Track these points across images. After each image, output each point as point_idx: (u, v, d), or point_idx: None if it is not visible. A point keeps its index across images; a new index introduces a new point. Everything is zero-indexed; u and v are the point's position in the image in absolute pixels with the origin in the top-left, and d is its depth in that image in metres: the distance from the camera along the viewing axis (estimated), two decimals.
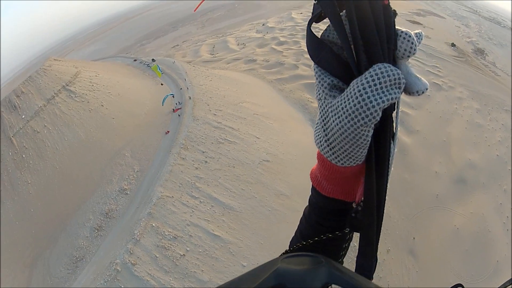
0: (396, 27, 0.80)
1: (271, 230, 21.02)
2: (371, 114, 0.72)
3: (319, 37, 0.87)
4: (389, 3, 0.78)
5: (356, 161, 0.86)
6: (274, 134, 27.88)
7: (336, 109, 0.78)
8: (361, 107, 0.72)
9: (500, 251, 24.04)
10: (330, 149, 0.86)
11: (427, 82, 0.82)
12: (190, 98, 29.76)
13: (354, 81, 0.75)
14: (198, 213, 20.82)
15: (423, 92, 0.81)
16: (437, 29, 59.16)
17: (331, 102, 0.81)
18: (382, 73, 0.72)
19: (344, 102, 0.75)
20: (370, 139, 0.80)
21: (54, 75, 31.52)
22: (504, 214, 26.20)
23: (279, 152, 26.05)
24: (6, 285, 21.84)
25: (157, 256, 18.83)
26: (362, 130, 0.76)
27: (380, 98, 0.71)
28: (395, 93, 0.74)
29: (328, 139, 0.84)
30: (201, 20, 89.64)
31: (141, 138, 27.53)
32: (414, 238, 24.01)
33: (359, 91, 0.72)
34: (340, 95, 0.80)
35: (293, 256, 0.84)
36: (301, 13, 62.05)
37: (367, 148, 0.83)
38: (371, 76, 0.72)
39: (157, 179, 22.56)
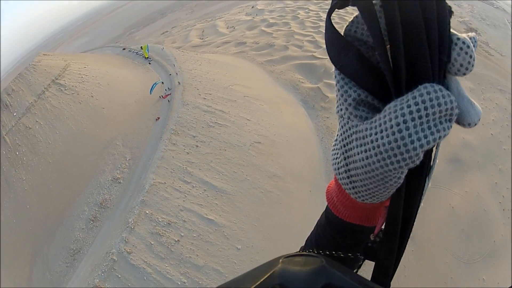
0: (451, 30, 0.58)
1: (265, 212, 21.08)
2: (410, 157, 0.54)
3: (342, 33, 0.65)
4: None
5: (380, 199, 0.70)
6: (265, 116, 27.74)
7: (364, 139, 0.60)
8: (398, 146, 0.53)
9: (497, 231, 23.97)
10: (350, 182, 0.69)
11: (480, 108, 0.62)
12: (179, 84, 29.53)
13: (391, 106, 0.55)
14: (191, 198, 20.82)
15: (475, 124, 0.61)
16: None
17: (356, 126, 0.63)
18: (431, 100, 0.52)
19: (375, 135, 0.57)
20: (402, 181, 0.62)
21: (44, 70, 31.25)
22: (500, 194, 26.05)
23: (270, 134, 25.94)
24: (7, 285, 21.94)
25: (152, 243, 18.91)
26: (394, 173, 0.59)
27: (425, 137, 0.53)
28: (444, 130, 0.54)
29: (349, 171, 0.67)
30: (190, 6, 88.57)
31: (132, 126, 27.39)
32: None
33: (398, 124, 0.53)
34: (368, 116, 0.62)
35: (293, 256, 0.80)
36: None
37: (396, 188, 0.65)
38: (416, 103, 0.52)
39: (149, 166, 22.54)
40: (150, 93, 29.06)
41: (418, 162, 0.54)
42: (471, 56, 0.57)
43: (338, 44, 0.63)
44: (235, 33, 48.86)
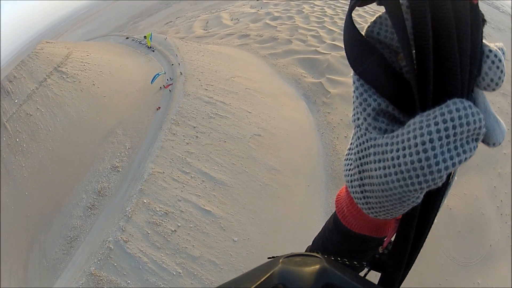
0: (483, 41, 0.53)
1: (262, 205, 21.12)
2: (433, 180, 0.49)
3: (364, 33, 0.58)
4: (478, 3, 0.52)
5: (393, 216, 0.65)
6: (266, 109, 27.68)
7: (383, 155, 0.54)
8: (422, 168, 0.48)
9: (494, 235, 23.91)
10: (364, 198, 0.65)
11: (504, 125, 0.56)
12: (181, 74, 29.47)
13: (416, 121, 0.50)
14: (189, 188, 20.85)
15: (499, 144, 0.55)
16: None
17: (375, 139, 0.57)
18: (460, 118, 0.47)
19: (396, 152, 0.51)
20: (420, 201, 0.57)
21: (46, 58, 31.21)
22: (498, 198, 25.95)
23: (270, 127, 25.90)
24: (4, 273, 22.05)
25: (149, 232, 18.98)
26: (414, 193, 0.53)
27: (451, 159, 0.48)
28: (470, 151, 0.49)
29: (363, 185, 0.63)
30: None
31: (133, 115, 27.35)
32: None
33: (423, 142, 0.47)
34: (388, 128, 0.57)
35: (293, 256, 0.81)
36: None
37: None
38: (445, 120, 0.47)
39: (148, 156, 22.56)
40: (151, 83, 29.00)
41: (440, 184, 0.50)
42: (502, 71, 0.53)
43: (359, 47, 0.57)
44: (239, 25, 48.65)
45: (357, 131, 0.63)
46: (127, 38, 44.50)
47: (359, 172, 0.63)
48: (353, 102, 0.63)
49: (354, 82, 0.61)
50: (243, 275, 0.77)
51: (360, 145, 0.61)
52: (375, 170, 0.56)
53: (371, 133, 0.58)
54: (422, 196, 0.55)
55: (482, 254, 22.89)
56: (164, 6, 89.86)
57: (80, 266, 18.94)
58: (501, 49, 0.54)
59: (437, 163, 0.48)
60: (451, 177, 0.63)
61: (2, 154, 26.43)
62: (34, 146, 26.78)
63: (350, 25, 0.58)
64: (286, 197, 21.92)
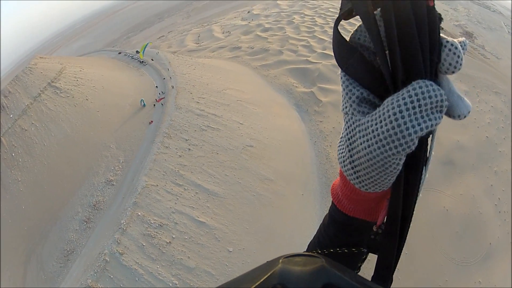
0: (441, 35, 0.68)
1: (256, 214, 21.21)
2: (406, 143, 0.62)
3: (348, 39, 0.75)
4: (434, 4, 0.66)
5: (382, 188, 0.77)
6: (258, 120, 27.89)
7: (365, 130, 0.69)
8: (395, 133, 0.62)
9: (493, 233, 23.97)
10: (355, 173, 0.78)
11: (469, 102, 0.71)
12: (173, 87, 29.68)
13: (389, 100, 0.65)
14: (183, 200, 20.94)
15: (465, 116, 0.69)
16: None
17: (359, 120, 0.72)
18: (423, 93, 0.61)
19: (375, 125, 0.66)
20: (401, 168, 0.70)
21: (40, 73, 31.27)
22: (496, 196, 26.05)
23: (263, 137, 26.09)
24: (3, 285, 21.95)
25: (144, 244, 19.00)
26: (393, 159, 0.66)
27: (419, 125, 0.61)
28: (435, 119, 0.63)
29: (353, 162, 0.76)
30: (187, 10, 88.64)
31: (126, 129, 27.47)
32: None
33: (394, 114, 0.62)
34: (370, 112, 0.71)
35: (293, 256, 0.83)
36: None
37: (396, 176, 0.73)
38: (410, 96, 0.61)
39: (142, 169, 22.64)
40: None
41: (413, 148, 0.63)
42: (458, 56, 0.66)
43: (344, 49, 0.73)
44: (230, 37, 48.92)
45: (345, 117, 0.78)
46: (119, 53, 44.67)
47: (349, 151, 0.76)
48: (342, 95, 0.78)
49: (341, 78, 0.76)
50: (243, 275, 0.80)
51: (348, 128, 0.76)
52: (361, 144, 0.70)
53: (356, 116, 0.73)
54: (401, 162, 0.69)
55: (482, 253, 22.96)
56: (157, 20, 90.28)
57: (77, 278, 18.90)
58: (462, 42, 0.69)
59: (407, 129, 0.61)
60: (428, 152, 0.76)
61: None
62: (30, 161, 26.78)
63: (336, 32, 0.75)
64: (280, 206, 22.04)
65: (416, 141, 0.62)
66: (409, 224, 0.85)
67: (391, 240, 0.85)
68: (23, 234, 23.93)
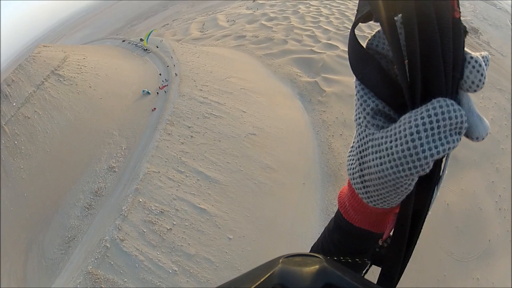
0: (465, 49, 0.62)
1: (257, 203, 21.21)
2: (421, 165, 0.58)
3: (365, 45, 0.69)
4: (460, 16, 0.61)
5: (391, 205, 0.74)
6: (261, 108, 27.81)
7: (379, 146, 0.64)
8: (410, 155, 0.57)
9: (492, 230, 23.81)
10: (364, 187, 0.74)
11: (488, 123, 0.65)
12: (176, 75, 29.62)
13: (406, 117, 0.60)
14: (184, 187, 20.95)
15: (483, 139, 0.64)
16: None
17: (373, 134, 0.67)
18: (443, 113, 0.56)
19: (390, 143, 0.61)
20: (412, 188, 0.66)
21: (43, 61, 31.30)
22: (497, 193, 25.85)
23: (265, 126, 26.03)
24: (4, 273, 22.11)
25: (145, 231, 19.06)
26: (405, 180, 0.63)
27: (436, 147, 0.56)
28: (453, 142, 0.58)
29: (363, 176, 0.72)
30: None
31: (129, 116, 27.48)
32: None
33: (411, 134, 0.57)
34: (385, 125, 0.66)
35: (293, 256, 0.82)
36: None
37: (407, 195, 0.70)
38: (429, 116, 0.56)
39: (144, 156, 22.66)
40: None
41: (428, 171, 0.59)
42: (482, 74, 0.60)
43: (360, 56, 0.68)
44: (235, 26, 48.80)
45: (358, 129, 0.72)
46: (123, 41, 44.62)
47: (360, 164, 0.71)
48: (355, 104, 0.72)
49: (356, 86, 0.70)
50: (243, 275, 0.78)
51: (360, 140, 0.71)
52: (373, 160, 0.65)
53: (369, 129, 0.68)
54: (413, 183, 0.65)
55: (481, 249, 22.81)
56: (161, 9, 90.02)
57: (78, 265, 19.01)
58: (485, 57, 0.63)
59: (423, 151, 0.56)
60: (441, 171, 0.70)
61: (1, 157, 26.54)
62: (32, 148, 26.86)
63: (353, 38, 0.69)
64: (281, 195, 22.01)
65: (432, 164, 0.58)
66: (416, 241, 0.81)
67: (396, 256, 0.82)
68: (25, 222, 24.07)
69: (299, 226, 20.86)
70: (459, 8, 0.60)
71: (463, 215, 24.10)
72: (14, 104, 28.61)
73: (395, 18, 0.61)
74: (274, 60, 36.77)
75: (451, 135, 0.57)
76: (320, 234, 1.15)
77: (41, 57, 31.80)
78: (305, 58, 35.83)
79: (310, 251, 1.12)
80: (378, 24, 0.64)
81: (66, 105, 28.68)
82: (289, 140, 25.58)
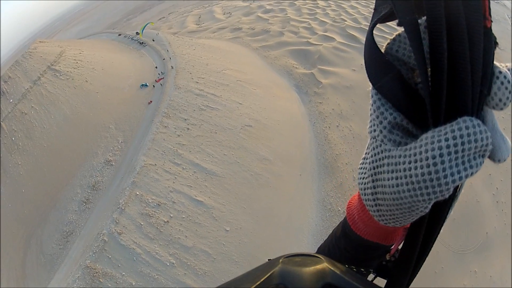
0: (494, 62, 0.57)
1: (254, 194, 21.25)
2: (441, 191, 0.53)
3: (383, 50, 0.63)
4: (491, 26, 0.56)
5: (403, 224, 0.69)
6: (257, 100, 27.78)
7: (396, 166, 0.59)
8: (431, 179, 0.52)
9: (490, 223, 23.80)
10: (376, 205, 0.70)
11: (510, 142, 0.60)
12: (172, 68, 29.56)
13: (428, 136, 0.54)
14: (181, 180, 20.99)
15: (504, 160, 0.58)
16: None
17: (389, 150, 0.62)
18: (469, 135, 0.50)
19: (409, 163, 0.55)
20: (428, 211, 0.61)
21: (39, 57, 31.19)
22: (494, 186, 25.76)
23: (262, 118, 26.02)
24: (3, 269, 22.18)
25: (142, 224, 19.13)
26: (422, 204, 0.57)
27: (458, 173, 0.51)
28: (477, 166, 0.53)
29: (376, 194, 0.67)
30: None
31: (125, 110, 27.44)
32: None
33: (434, 156, 0.51)
34: (402, 141, 0.61)
35: (293, 256, 0.81)
36: None
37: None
38: (454, 137, 0.51)
39: (140, 149, 22.68)
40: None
41: (447, 196, 0.54)
42: (510, 92, 0.55)
43: (378, 63, 0.61)
44: (231, 19, 48.50)
45: (372, 142, 0.67)
46: (119, 34, 44.42)
47: (373, 181, 0.67)
48: (370, 115, 0.66)
49: (372, 96, 0.64)
50: (243, 275, 0.78)
51: (375, 155, 0.66)
52: (388, 180, 0.60)
53: (386, 144, 0.63)
54: (430, 206, 0.59)
55: (479, 242, 22.81)
56: (157, 2, 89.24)
57: (76, 259, 19.12)
58: (511, 70, 0.58)
59: (445, 176, 0.51)
60: (458, 189, 0.66)
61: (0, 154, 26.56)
62: (30, 144, 26.84)
63: (370, 42, 0.62)
64: (278, 186, 22.06)
65: (452, 190, 0.53)
66: (425, 258, 0.77)
67: (403, 272, 0.78)
68: (23, 218, 24.09)
69: (295, 217, 20.93)
70: (491, 17, 0.56)
71: (460, 208, 23.87)
72: (11, 101, 28.55)
73: (419, 21, 0.56)
74: (271, 52, 36.62)
75: (474, 158, 0.52)
76: (320, 232, 1.13)
77: (37, 53, 31.69)
78: (302, 50, 35.67)
79: (317, 251, 1.11)
80: (380, 24, 0.61)
81: (63, 100, 28.62)
82: (285, 132, 25.58)
